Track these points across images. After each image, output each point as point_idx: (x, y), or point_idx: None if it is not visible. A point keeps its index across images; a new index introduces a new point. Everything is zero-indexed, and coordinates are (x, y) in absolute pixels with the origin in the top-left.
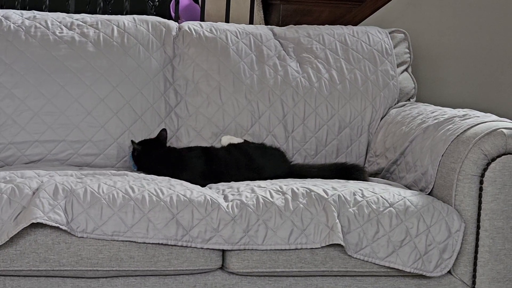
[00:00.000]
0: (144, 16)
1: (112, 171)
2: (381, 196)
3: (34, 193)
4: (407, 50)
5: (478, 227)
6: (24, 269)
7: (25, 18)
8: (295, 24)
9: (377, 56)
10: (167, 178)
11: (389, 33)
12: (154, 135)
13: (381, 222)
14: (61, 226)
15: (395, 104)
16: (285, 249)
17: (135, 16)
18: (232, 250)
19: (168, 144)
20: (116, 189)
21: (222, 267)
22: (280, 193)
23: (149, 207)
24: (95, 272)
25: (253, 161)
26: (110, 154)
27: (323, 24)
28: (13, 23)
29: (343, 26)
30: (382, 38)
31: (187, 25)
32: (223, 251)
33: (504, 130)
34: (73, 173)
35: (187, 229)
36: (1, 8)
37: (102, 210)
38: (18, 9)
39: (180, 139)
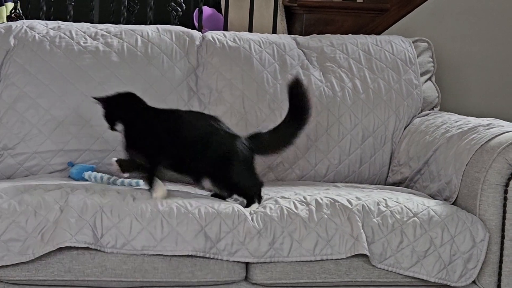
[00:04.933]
0: (168, 25)
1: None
2: (405, 206)
3: (60, 207)
4: (431, 59)
5: (502, 236)
6: (48, 279)
7: (50, 29)
8: (318, 34)
9: (401, 65)
10: (197, 190)
11: (413, 42)
12: None
13: (405, 232)
14: (90, 246)
15: (418, 113)
16: (310, 260)
17: (159, 25)
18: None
19: None
20: (144, 202)
21: (245, 279)
22: (304, 204)
23: (177, 220)
24: (119, 283)
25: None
26: None
27: (346, 34)
28: (38, 34)
29: (366, 36)
30: (405, 47)
31: (210, 34)
32: (247, 262)
33: None
34: (101, 185)
35: (215, 241)
36: (26, 19)
37: (132, 224)
38: (42, 20)
39: None
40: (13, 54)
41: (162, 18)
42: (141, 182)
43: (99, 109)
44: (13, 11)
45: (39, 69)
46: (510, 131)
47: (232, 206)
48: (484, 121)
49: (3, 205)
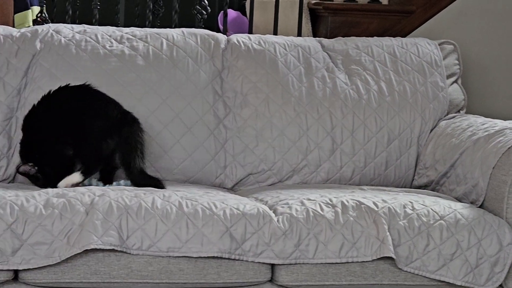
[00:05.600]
0: (193, 29)
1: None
2: (431, 209)
3: (86, 209)
4: (457, 62)
5: None
6: (75, 281)
7: (76, 32)
8: (343, 36)
9: (427, 68)
10: (221, 192)
11: (439, 44)
12: (203, 147)
13: (431, 235)
14: (115, 248)
15: (444, 116)
16: (335, 263)
17: (184, 29)
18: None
19: (215, 156)
20: (169, 204)
21: (271, 280)
22: (330, 206)
23: (202, 221)
24: (145, 285)
25: None
26: (161, 167)
27: (372, 36)
28: (64, 37)
29: (392, 38)
30: (431, 49)
31: (235, 37)
32: (273, 264)
33: None
34: (125, 188)
35: (240, 242)
36: (52, 23)
37: (157, 226)
38: (68, 23)
39: (227, 151)
40: (39, 58)
41: (187, 22)
42: (129, 182)
43: None
44: (39, 14)
45: (65, 72)
46: None
47: (257, 207)
48: (510, 123)
49: (29, 208)
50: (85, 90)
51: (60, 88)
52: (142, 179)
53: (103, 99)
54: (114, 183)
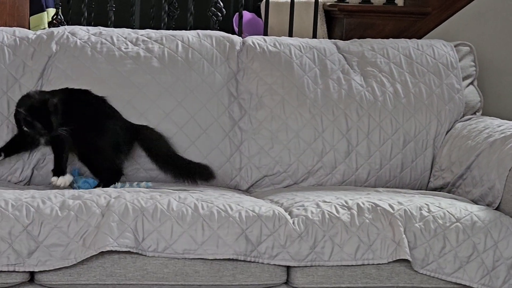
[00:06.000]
0: (208, 31)
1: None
2: (447, 211)
3: (102, 211)
4: (473, 63)
5: None
6: (91, 283)
7: (91, 34)
8: (358, 38)
9: (442, 70)
10: (236, 194)
11: (454, 46)
12: (218, 149)
13: (447, 237)
14: (131, 250)
15: (460, 118)
16: (351, 265)
17: (199, 31)
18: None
19: (230, 158)
20: (185, 206)
21: (286, 282)
22: (345, 208)
23: (218, 224)
24: (160, 287)
25: None
26: None
27: (387, 38)
28: (79, 39)
29: (407, 40)
30: (447, 51)
31: (250, 39)
32: (288, 266)
33: None
34: (140, 189)
35: (255, 244)
36: (67, 24)
37: (173, 228)
38: (84, 25)
39: (243, 153)
40: (55, 60)
41: (202, 23)
42: (142, 184)
43: (140, 115)
44: (55, 16)
45: (80, 74)
46: None
47: (272, 209)
48: None
49: (45, 210)
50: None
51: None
52: (191, 165)
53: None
54: (127, 184)
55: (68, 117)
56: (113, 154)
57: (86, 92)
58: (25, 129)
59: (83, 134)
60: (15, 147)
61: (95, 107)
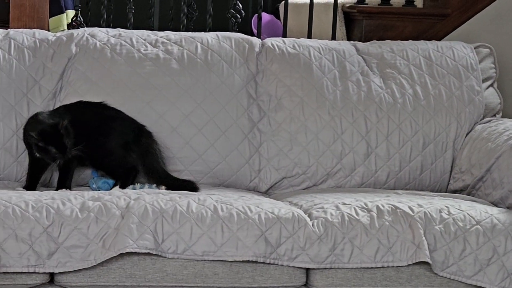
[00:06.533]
0: (227, 32)
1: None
2: (467, 214)
3: (121, 213)
4: (493, 65)
5: None
6: (110, 284)
7: (111, 36)
8: (378, 40)
9: (462, 72)
10: (255, 195)
11: (474, 48)
12: (237, 151)
13: (467, 240)
14: (151, 251)
15: (480, 120)
16: (371, 267)
17: (219, 33)
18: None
19: (249, 160)
20: (205, 207)
21: (306, 284)
22: (365, 211)
23: (237, 225)
24: None
25: None
26: (195, 170)
27: (406, 40)
28: (99, 41)
29: (427, 41)
30: (467, 53)
31: (270, 41)
32: (308, 268)
33: None
34: (159, 191)
35: (275, 246)
36: (86, 26)
37: (192, 230)
38: (103, 27)
39: (262, 155)
40: (74, 62)
41: (220, 25)
42: (153, 186)
43: (159, 116)
44: (74, 18)
45: (100, 76)
46: None
47: (292, 211)
48: None
49: (65, 211)
50: (102, 108)
51: (79, 105)
52: (175, 182)
53: (120, 118)
54: (146, 185)
55: (79, 134)
56: (125, 153)
57: (95, 105)
58: (37, 155)
59: (93, 142)
60: (35, 180)
61: (100, 113)
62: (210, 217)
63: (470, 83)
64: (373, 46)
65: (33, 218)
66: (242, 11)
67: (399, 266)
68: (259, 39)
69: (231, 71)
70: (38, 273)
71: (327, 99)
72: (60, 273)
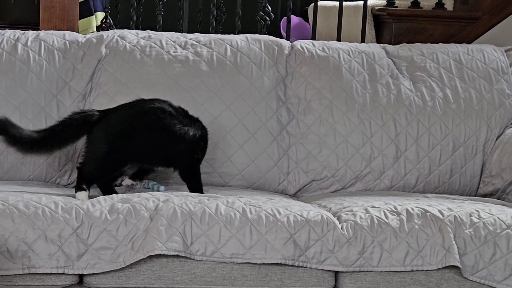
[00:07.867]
0: (257, 35)
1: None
2: (498, 218)
3: (150, 215)
4: None
5: None
6: (139, 286)
7: (141, 38)
8: (407, 43)
9: (493, 75)
10: (284, 198)
11: (505, 51)
12: (266, 153)
13: (498, 244)
14: (179, 253)
15: (511, 124)
16: (400, 271)
17: (248, 35)
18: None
19: (278, 162)
20: (233, 210)
21: (335, 287)
22: (395, 214)
23: (266, 228)
24: None
25: None
26: (224, 173)
27: (436, 43)
28: (128, 43)
29: (457, 45)
30: (497, 56)
31: (299, 43)
32: (336, 271)
33: None
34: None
35: (304, 249)
36: (116, 28)
37: (221, 232)
38: (133, 29)
39: (291, 157)
40: (104, 63)
41: (249, 27)
42: (161, 187)
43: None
44: (104, 20)
45: (129, 78)
46: None
47: (321, 214)
48: None
49: (95, 213)
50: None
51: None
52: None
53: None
54: (145, 183)
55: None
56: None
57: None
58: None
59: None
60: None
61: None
62: (239, 219)
63: (501, 87)
64: (403, 49)
65: (62, 219)
66: (271, 14)
67: (429, 270)
68: (289, 42)
69: (260, 73)
70: (67, 274)
71: (357, 102)
72: (89, 274)
